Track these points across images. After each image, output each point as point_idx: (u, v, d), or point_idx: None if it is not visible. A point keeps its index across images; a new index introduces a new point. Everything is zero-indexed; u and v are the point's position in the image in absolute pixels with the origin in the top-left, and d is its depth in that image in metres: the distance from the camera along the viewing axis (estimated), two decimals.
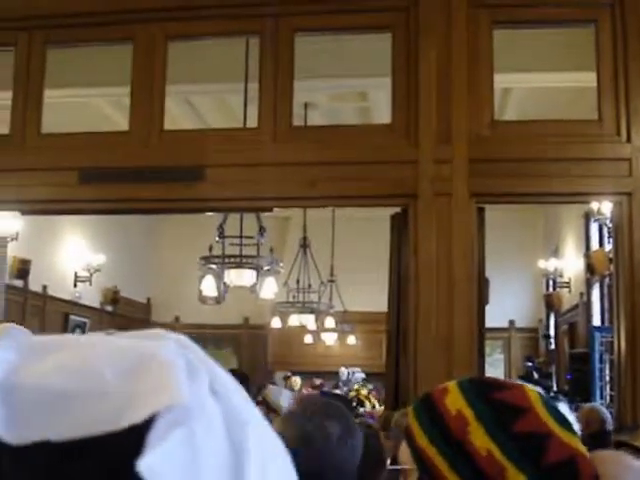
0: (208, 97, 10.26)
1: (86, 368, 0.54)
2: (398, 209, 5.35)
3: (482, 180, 4.95)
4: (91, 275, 12.60)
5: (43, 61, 5.44)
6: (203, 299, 8.77)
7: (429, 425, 1.28)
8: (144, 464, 0.50)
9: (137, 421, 0.51)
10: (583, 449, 1.24)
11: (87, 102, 9.29)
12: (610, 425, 5.28)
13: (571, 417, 2.84)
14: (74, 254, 12.38)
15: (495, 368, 14.20)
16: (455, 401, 1.29)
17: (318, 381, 13.67)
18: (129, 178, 5.21)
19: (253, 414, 0.60)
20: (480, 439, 1.23)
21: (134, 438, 0.51)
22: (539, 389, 3.15)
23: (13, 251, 9.79)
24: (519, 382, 1.43)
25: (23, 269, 10.65)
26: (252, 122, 5.50)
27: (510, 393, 1.28)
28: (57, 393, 0.53)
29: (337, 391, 11.45)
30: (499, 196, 5.15)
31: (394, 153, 5.08)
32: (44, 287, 11.59)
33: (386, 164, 5.07)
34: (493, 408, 1.25)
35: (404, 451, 1.34)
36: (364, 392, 11.54)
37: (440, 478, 1.24)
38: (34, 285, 11.23)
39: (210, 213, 7.17)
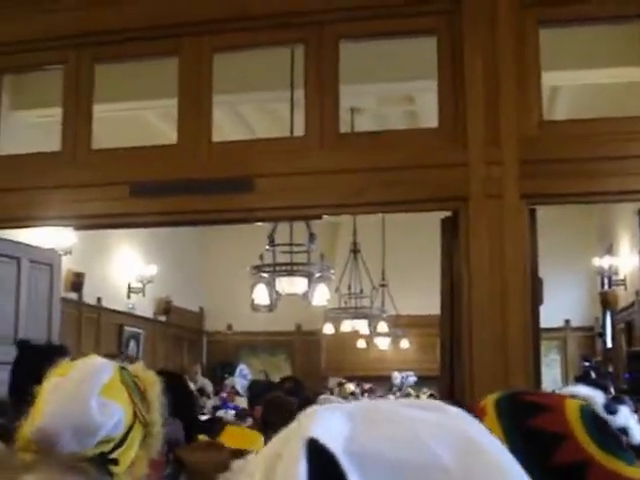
0: (256, 106, 10.31)
1: (420, 444, 0.64)
2: (448, 213, 5.31)
3: (533, 181, 4.89)
4: (144, 286, 12.73)
5: (92, 78, 5.50)
6: (256, 307, 8.80)
7: None
8: None
9: None
10: (631, 472, 1.16)
11: (136, 115, 9.40)
12: None
13: (632, 422, 2.78)
14: (127, 266, 12.53)
15: (551, 368, 14.02)
16: (491, 428, 1.21)
17: (367, 385, 13.63)
18: (179, 191, 5.25)
19: None
20: None
21: None
22: (597, 392, 3.07)
23: (67, 264, 9.92)
24: (567, 391, 1.33)
25: (77, 282, 10.82)
26: (299, 130, 5.50)
27: (548, 417, 1.20)
28: (398, 462, 0.62)
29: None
30: (551, 197, 5.07)
31: (442, 156, 5.04)
32: (98, 299, 11.74)
33: (435, 168, 5.03)
34: (528, 440, 1.17)
35: None
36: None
37: None
38: (88, 297, 11.39)
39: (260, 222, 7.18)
